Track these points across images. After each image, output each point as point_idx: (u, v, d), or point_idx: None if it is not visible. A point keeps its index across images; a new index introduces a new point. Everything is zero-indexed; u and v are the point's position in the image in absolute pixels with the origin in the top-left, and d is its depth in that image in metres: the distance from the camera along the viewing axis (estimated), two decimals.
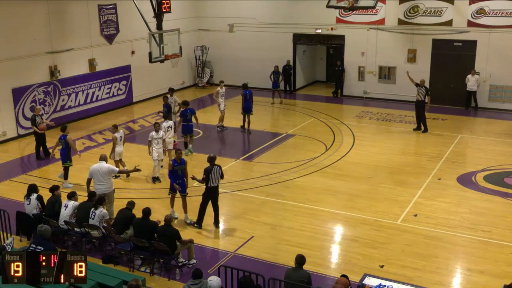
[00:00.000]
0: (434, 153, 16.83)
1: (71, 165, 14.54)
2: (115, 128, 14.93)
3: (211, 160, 11.88)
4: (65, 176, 14.49)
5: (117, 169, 12.74)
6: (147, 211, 10.43)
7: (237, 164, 16.15)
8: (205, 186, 11.89)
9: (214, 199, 11.98)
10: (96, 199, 11.05)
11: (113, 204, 12.28)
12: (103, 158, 12.31)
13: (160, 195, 14.03)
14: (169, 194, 12.51)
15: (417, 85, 19.01)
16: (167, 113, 17.16)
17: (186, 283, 8.44)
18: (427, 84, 22.54)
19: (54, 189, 11.64)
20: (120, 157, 15.03)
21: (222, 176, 12.03)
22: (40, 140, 16.65)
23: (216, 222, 12.11)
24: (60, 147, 14.54)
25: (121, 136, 14.99)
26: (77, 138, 18.75)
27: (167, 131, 15.53)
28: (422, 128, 19.11)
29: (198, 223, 12.08)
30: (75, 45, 20.61)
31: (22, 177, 15.31)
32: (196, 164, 16.32)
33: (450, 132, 19.02)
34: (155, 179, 14.92)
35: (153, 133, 14.58)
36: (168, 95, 18.21)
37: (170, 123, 15.95)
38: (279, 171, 15.46)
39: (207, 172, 11.72)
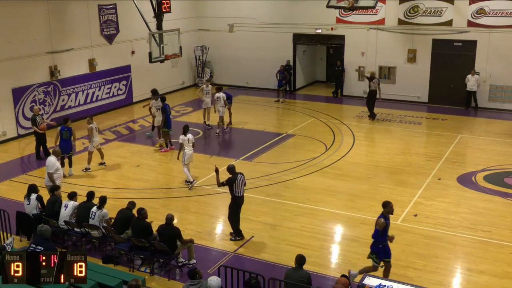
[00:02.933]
0: (434, 153, 16.83)
1: (73, 154, 15.42)
2: (90, 119, 15.70)
3: (232, 170, 11.37)
4: (70, 164, 15.23)
5: (52, 171, 12.67)
6: (139, 211, 10.46)
7: (237, 164, 16.07)
8: (231, 196, 11.44)
9: (239, 209, 11.56)
10: (99, 200, 11.04)
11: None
12: (53, 153, 12.99)
13: (160, 195, 14.03)
14: (369, 258, 9.77)
15: (371, 78, 20.58)
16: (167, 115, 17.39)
17: (185, 283, 8.43)
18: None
19: (54, 189, 11.64)
20: (98, 147, 15.88)
21: (244, 183, 11.57)
22: (40, 140, 16.64)
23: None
24: (59, 138, 15.06)
25: (96, 127, 15.75)
26: (77, 138, 18.71)
27: (217, 100, 18.91)
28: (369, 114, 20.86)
29: (239, 235, 11.56)
30: (75, 45, 20.61)
31: (22, 177, 15.31)
32: (195, 165, 16.33)
33: (450, 132, 19.03)
34: (191, 183, 14.39)
35: (182, 136, 14.26)
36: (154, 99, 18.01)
37: (221, 94, 18.92)
38: (279, 171, 15.46)
39: (231, 182, 11.24)
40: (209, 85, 20.14)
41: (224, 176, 11.66)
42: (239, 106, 20.88)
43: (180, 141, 14.26)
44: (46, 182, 12.82)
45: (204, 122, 19.98)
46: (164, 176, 15.47)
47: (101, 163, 16.07)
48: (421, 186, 14.25)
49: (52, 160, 12.80)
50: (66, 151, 15.10)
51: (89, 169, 15.73)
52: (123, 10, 22.31)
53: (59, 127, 15.28)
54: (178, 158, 14.66)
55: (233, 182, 11.23)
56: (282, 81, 23.78)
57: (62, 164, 14.90)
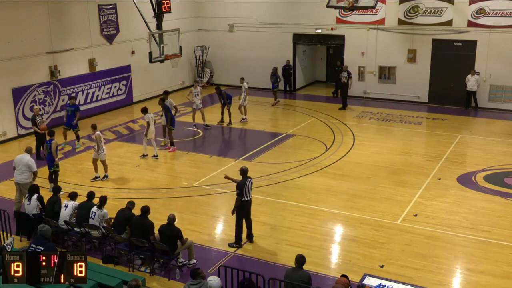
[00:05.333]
0: (434, 153, 16.83)
1: (59, 170, 14.16)
2: (94, 127, 15.18)
3: (244, 173, 11.12)
4: (55, 182, 13.96)
5: (36, 169, 12.64)
6: (144, 209, 10.47)
7: (238, 164, 16.09)
8: (237, 201, 11.10)
9: (247, 213, 11.30)
10: (99, 200, 11.05)
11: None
12: (27, 151, 12.71)
13: (160, 195, 14.03)
14: None
15: (346, 72, 22.32)
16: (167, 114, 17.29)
17: (186, 283, 8.44)
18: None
19: (57, 190, 11.67)
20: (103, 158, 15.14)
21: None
22: (40, 140, 16.61)
23: (250, 237, 11.43)
24: (47, 151, 14.10)
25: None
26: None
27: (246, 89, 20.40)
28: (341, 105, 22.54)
29: (237, 243, 11.29)
30: (75, 45, 20.61)
31: None
32: (195, 165, 16.36)
33: (450, 132, 19.03)
34: (144, 156, 16.93)
35: (148, 115, 16.48)
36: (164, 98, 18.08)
37: (245, 84, 20.48)
38: (279, 171, 15.46)
39: (241, 186, 10.98)
40: (198, 87, 20.00)
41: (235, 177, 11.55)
42: (237, 106, 20.86)
43: (147, 120, 16.43)
44: (22, 180, 12.49)
45: (193, 124, 19.85)
46: (164, 176, 15.48)
47: (103, 176, 15.25)
48: (421, 186, 14.25)
49: (30, 159, 12.48)
50: (48, 166, 14.10)
51: (107, 175, 15.11)
52: (123, 10, 22.31)
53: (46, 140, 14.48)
54: (145, 135, 16.58)
55: (243, 186, 11.03)
56: (275, 84, 23.70)
57: (50, 180, 14.22)
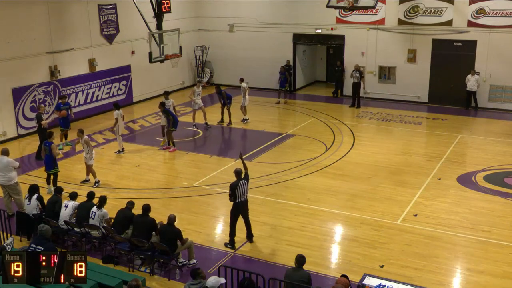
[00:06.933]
0: (434, 153, 16.83)
1: (59, 171, 14.06)
2: (81, 132, 14.57)
3: (238, 174, 11.08)
4: (54, 183, 13.88)
5: (17, 163, 12.68)
6: (145, 208, 10.49)
7: (237, 164, 16.12)
8: (232, 202, 11.08)
9: (244, 214, 11.19)
10: (99, 200, 11.05)
11: (23, 195, 12.29)
12: (4, 152, 12.59)
13: (160, 195, 14.04)
14: None
15: (358, 71, 22.69)
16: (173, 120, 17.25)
17: (186, 283, 8.44)
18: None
19: (60, 190, 11.66)
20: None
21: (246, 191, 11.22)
22: (44, 139, 16.54)
23: (250, 237, 11.39)
24: (46, 153, 13.90)
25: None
26: (77, 138, 18.73)
27: (248, 89, 20.51)
28: (356, 105, 22.80)
29: (231, 244, 11.21)
30: (75, 45, 20.61)
31: (22, 177, 15.24)
32: (195, 165, 16.36)
33: (450, 132, 19.03)
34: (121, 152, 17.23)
35: (117, 111, 16.71)
36: (164, 99, 18.10)
37: (244, 84, 20.45)
38: (279, 171, 15.46)
39: (233, 188, 10.90)
40: (200, 87, 20.07)
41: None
42: (239, 106, 20.87)
43: (116, 116, 16.60)
44: (6, 181, 12.38)
45: (193, 124, 19.85)
46: (164, 176, 15.48)
47: (86, 180, 14.89)
48: (421, 186, 14.25)
49: (8, 159, 12.47)
50: (47, 168, 13.93)
51: (99, 181, 14.58)
52: (123, 10, 22.31)
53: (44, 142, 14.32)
54: (112, 129, 17.07)
55: (235, 188, 10.97)
56: (285, 83, 23.66)
57: (48, 182, 14.08)
